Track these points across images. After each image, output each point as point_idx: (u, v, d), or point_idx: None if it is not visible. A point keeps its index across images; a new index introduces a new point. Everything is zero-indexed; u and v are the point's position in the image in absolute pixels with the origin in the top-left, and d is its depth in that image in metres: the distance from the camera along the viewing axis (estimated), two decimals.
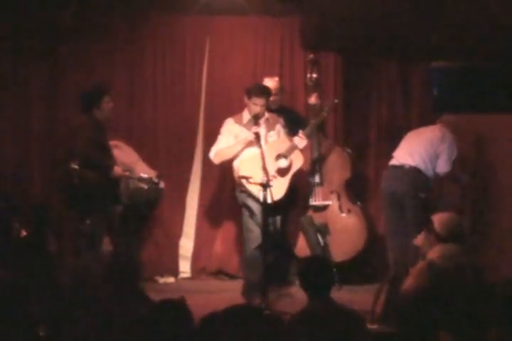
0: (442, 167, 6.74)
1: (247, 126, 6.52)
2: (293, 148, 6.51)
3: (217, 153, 6.58)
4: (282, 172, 6.48)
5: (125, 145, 6.95)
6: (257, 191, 6.23)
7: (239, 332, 3.27)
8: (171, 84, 7.63)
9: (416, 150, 6.75)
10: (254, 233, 6.35)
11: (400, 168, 6.76)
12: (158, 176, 6.83)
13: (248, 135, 6.42)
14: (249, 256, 6.44)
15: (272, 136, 6.59)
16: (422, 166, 6.70)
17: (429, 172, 6.73)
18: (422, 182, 6.71)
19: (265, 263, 6.06)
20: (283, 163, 6.49)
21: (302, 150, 6.62)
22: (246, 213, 6.43)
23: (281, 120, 6.74)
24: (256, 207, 6.33)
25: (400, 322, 4.07)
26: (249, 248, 6.42)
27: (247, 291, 6.44)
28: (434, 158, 6.74)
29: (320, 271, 4.13)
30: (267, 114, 6.60)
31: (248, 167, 6.35)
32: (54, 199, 7.13)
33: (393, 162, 6.86)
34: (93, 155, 6.34)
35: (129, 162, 6.80)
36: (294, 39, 7.63)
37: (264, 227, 6.16)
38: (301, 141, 6.54)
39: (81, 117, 6.49)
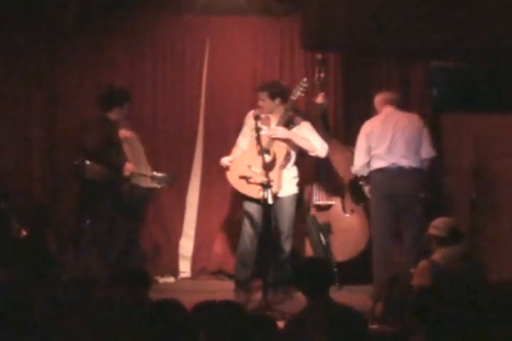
0: (428, 152, 6.55)
1: (263, 121, 6.35)
2: (270, 140, 6.24)
3: (233, 153, 6.52)
4: (269, 166, 6.16)
5: (135, 139, 6.89)
6: (255, 192, 6.15)
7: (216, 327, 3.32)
8: (171, 85, 7.63)
9: (410, 147, 6.48)
10: (249, 232, 6.34)
11: (398, 169, 6.52)
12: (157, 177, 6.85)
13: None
14: (241, 254, 6.42)
15: (265, 130, 6.35)
16: (417, 162, 6.54)
17: (424, 165, 6.61)
18: (422, 181, 6.64)
19: (266, 263, 6.06)
20: (266, 158, 6.18)
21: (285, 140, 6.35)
22: (243, 212, 6.42)
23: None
24: (252, 208, 6.31)
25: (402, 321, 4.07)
26: (243, 246, 6.39)
27: (235, 288, 6.43)
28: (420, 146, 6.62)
29: (315, 274, 4.12)
30: (270, 115, 6.47)
31: (238, 165, 6.31)
32: (54, 199, 7.14)
33: (385, 164, 6.56)
34: (104, 151, 6.40)
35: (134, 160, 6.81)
36: (294, 39, 7.63)
37: (265, 227, 6.15)
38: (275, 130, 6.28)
39: (93, 115, 6.66)
